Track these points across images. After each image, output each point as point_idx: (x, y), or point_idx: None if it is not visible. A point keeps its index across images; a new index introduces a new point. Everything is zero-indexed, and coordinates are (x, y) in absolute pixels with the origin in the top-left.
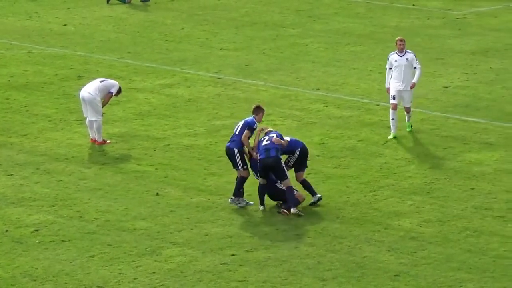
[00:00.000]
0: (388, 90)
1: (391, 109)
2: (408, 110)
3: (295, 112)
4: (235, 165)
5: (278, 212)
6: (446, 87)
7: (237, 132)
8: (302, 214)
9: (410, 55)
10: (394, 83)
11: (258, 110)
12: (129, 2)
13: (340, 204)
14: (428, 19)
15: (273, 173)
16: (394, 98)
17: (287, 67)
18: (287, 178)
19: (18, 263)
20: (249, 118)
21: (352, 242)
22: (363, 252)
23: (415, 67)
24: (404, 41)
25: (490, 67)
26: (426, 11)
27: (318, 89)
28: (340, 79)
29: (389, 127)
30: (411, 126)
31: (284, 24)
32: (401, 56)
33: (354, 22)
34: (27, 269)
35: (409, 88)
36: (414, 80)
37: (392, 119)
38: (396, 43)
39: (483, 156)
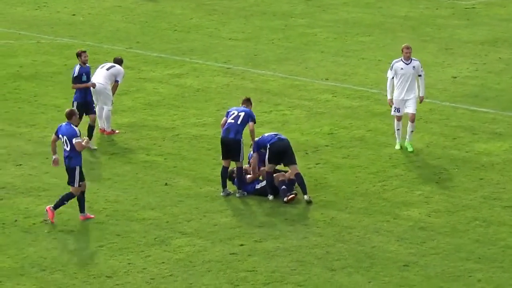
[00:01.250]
0: (390, 102)
1: (395, 120)
2: (413, 119)
3: (304, 102)
4: (237, 157)
5: (285, 202)
6: (455, 77)
7: (238, 122)
8: (311, 200)
9: (416, 63)
10: (397, 93)
11: (248, 102)
12: None
13: (349, 194)
14: (437, 9)
15: (285, 157)
16: (398, 110)
17: (296, 57)
18: (296, 163)
19: (27, 253)
20: (246, 108)
21: (361, 232)
22: (372, 242)
23: (419, 75)
24: (411, 49)
25: (499, 57)
26: (435, 1)
27: (327, 79)
28: (349, 69)
29: (395, 133)
30: (412, 146)
31: (293, 14)
32: (407, 64)
33: (363, 12)
34: (36, 259)
35: (413, 98)
36: (422, 94)
37: (398, 129)
38: (402, 51)
39: (492, 146)
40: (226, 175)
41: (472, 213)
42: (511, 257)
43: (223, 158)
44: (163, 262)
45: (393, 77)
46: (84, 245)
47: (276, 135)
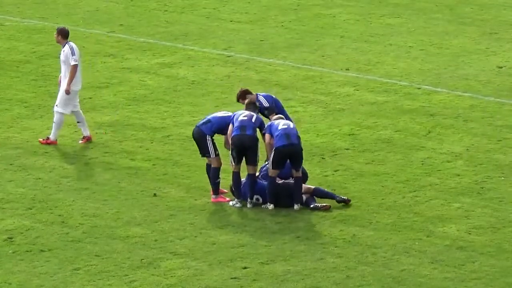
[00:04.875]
0: None
1: None
2: None
3: (320, 96)
4: (254, 159)
5: (315, 208)
6: (501, 67)
7: (253, 120)
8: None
9: None
10: None
11: (254, 106)
12: None
13: (374, 207)
14: None
15: (292, 163)
16: None
17: (311, 43)
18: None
19: None
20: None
21: (388, 252)
22: (401, 265)
23: None
24: None
25: None
26: None
27: (348, 70)
28: (374, 57)
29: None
30: None
31: None
32: None
33: None
34: None
35: None
36: None
37: None
38: None
39: None
40: (240, 182)
41: None
42: None
43: (237, 163)
44: None
45: None
46: (56, 267)
47: (285, 133)
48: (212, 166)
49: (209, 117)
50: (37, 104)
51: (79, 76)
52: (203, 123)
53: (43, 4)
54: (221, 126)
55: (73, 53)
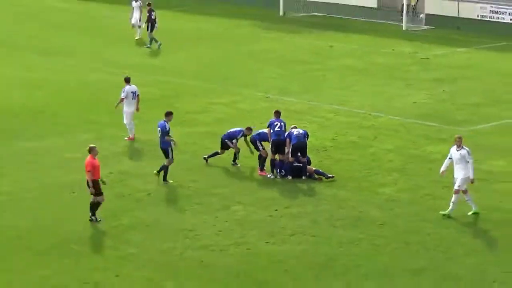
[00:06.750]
0: (442, 173)
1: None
2: (464, 191)
3: (316, 118)
4: (284, 152)
5: (313, 178)
6: (415, 102)
7: (283, 129)
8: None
9: (463, 151)
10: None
11: (278, 114)
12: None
13: (346, 178)
14: (402, 59)
15: (302, 152)
16: (454, 183)
17: (312, 89)
18: (306, 155)
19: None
20: (282, 120)
21: (354, 202)
22: (360, 209)
23: (467, 161)
24: (461, 139)
25: (443, 90)
26: (401, 54)
27: (332, 104)
28: (347, 97)
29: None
30: (476, 212)
31: (309, 62)
32: (457, 151)
33: (354, 60)
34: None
35: (462, 176)
36: (471, 176)
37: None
38: (455, 140)
39: (438, 148)
40: (274, 164)
41: (425, 191)
42: (441, 217)
43: (273, 153)
44: (226, 221)
45: (450, 158)
46: (173, 206)
47: (298, 136)
48: (263, 156)
49: (260, 131)
50: None
51: None
52: (256, 134)
53: None
54: (265, 137)
55: None
